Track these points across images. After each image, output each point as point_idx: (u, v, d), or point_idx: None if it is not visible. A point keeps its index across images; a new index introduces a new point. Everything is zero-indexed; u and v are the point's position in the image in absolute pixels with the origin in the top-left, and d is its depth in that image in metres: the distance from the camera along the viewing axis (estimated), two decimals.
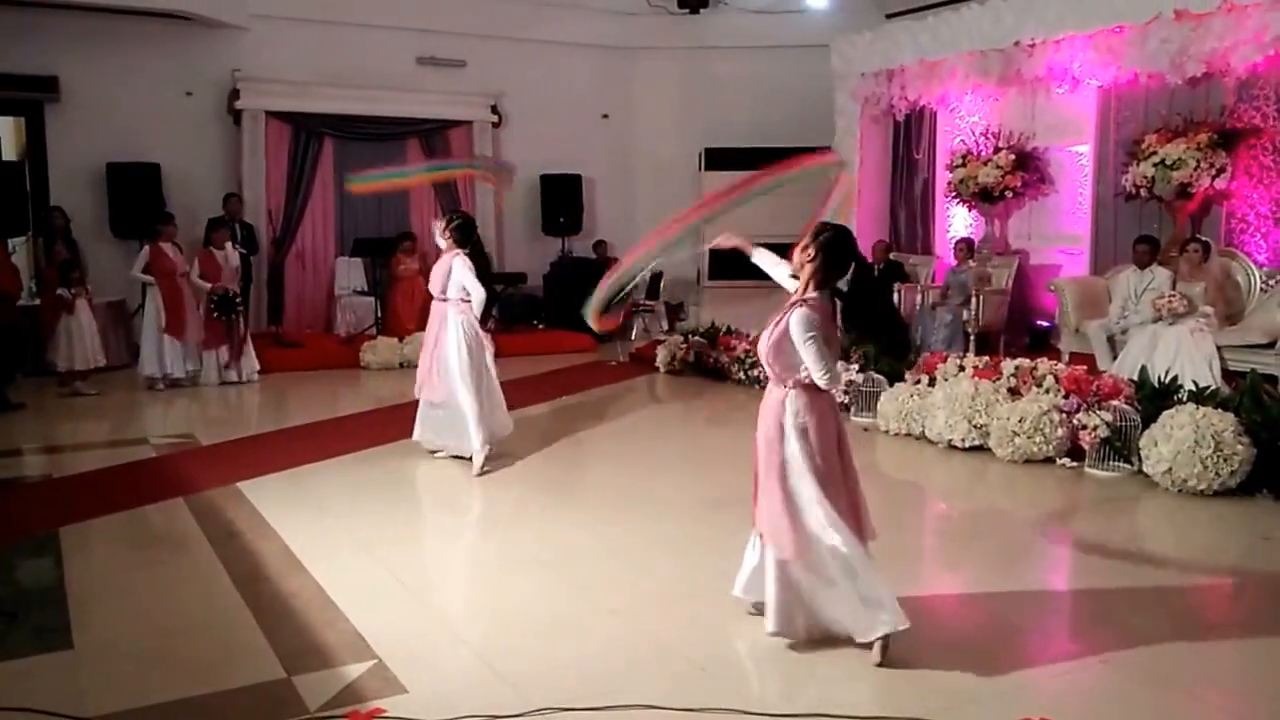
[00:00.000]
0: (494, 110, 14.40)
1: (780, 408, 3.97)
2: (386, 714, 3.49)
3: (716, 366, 10.77)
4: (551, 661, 3.96)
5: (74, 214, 11.44)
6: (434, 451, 7.28)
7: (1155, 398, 6.92)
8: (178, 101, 12.74)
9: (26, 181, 11.35)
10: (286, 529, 5.63)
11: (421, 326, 11.88)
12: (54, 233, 11.02)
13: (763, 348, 4.02)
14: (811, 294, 3.93)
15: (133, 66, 12.35)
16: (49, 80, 11.88)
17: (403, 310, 12.44)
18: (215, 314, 10.39)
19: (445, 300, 7.08)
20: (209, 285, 10.38)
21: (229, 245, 10.77)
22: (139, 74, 12.39)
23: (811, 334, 3.80)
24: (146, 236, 10.54)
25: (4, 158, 11.90)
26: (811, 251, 3.94)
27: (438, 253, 7.33)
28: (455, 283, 6.99)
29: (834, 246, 3.95)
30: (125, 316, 11.72)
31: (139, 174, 12.14)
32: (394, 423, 8.16)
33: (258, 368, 10.79)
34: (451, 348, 7.00)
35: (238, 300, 10.58)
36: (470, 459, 6.96)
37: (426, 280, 12.50)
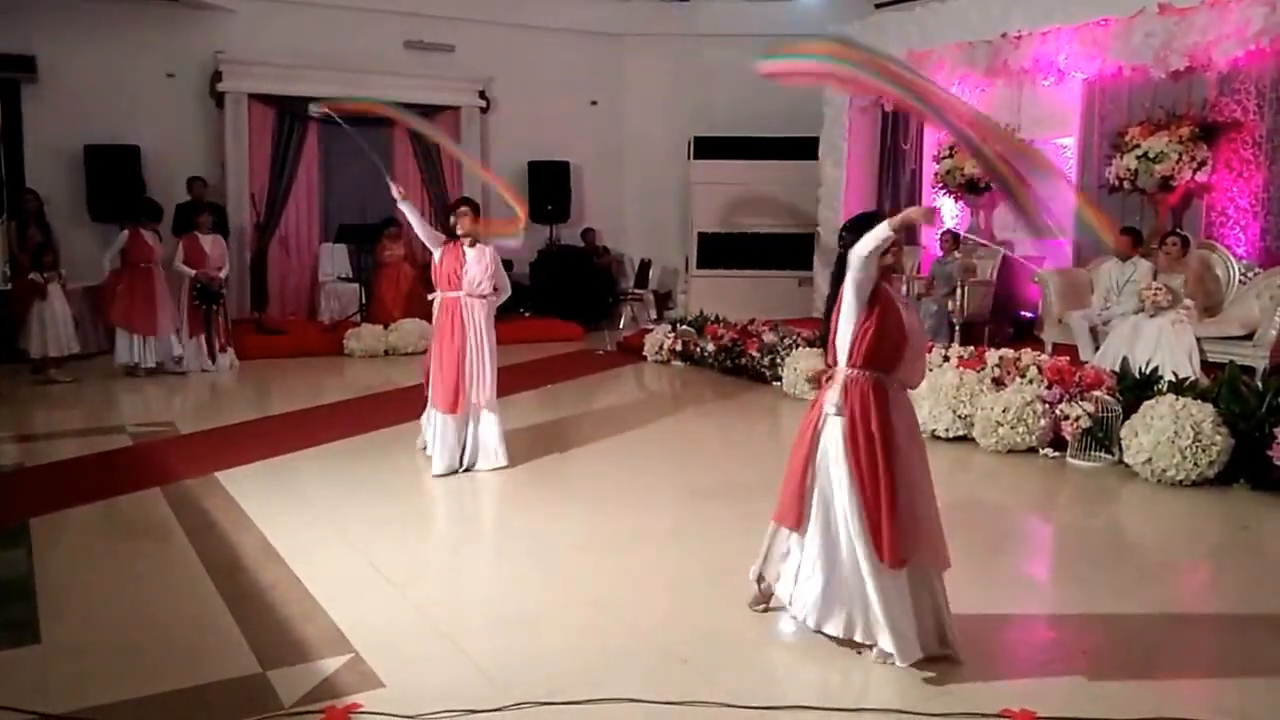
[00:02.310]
0: (482, 96, 14.29)
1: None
2: (363, 709, 3.46)
3: (703, 356, 10.81)
4: (532, 654, 3.94)
5: (51, 197, 11.26)
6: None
7: (1136, 389, 7.00)
8: (159, 83, 12.56)
9: (1, 163, 10.88)
10: (265, 520, 5.54)
11: (407, 313, 12.01)
12: (26, 216, 10.68)
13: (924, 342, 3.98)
14: None
15: (113, 47, 12.15)
16: (25, 59, 11.61)
17: (388, 297, 12.35)
18: (197, 302, 10.30)
19: (485, 297, 6.76)
20: (192, 271, 10.27)
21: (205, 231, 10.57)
22: (119, 54, 12.19)
23: None
24: (128, 220, 10.35)
25: None
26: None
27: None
28: (494, 276, 6.76)
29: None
30: (102, 302, 11.38)
31: (118, 156, 11.93)
32: (378, 411, 8.13)
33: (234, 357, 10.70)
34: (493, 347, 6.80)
35: (221, 290, 10.49)
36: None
37: (412, 267, 12.62)
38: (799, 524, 3.96)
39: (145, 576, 4.81)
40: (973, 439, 7.36)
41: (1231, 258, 8.92)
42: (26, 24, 11.67)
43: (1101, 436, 6.86)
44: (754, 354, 10.06)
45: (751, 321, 10.66)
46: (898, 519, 3.71)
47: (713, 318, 11.30)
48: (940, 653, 3.83)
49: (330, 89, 12.82)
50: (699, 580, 4.46)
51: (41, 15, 11.74)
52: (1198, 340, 8.12)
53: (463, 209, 6.79)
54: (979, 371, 7.60)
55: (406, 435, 7.38)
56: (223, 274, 10.62)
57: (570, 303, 13.84)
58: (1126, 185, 9.54)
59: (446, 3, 14.02)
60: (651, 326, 12.25)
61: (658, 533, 5.50)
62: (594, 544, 5.31)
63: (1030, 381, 7.35)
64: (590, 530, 5.54)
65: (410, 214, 6.98)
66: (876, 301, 3.77)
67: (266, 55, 12.84)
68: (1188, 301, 8.32)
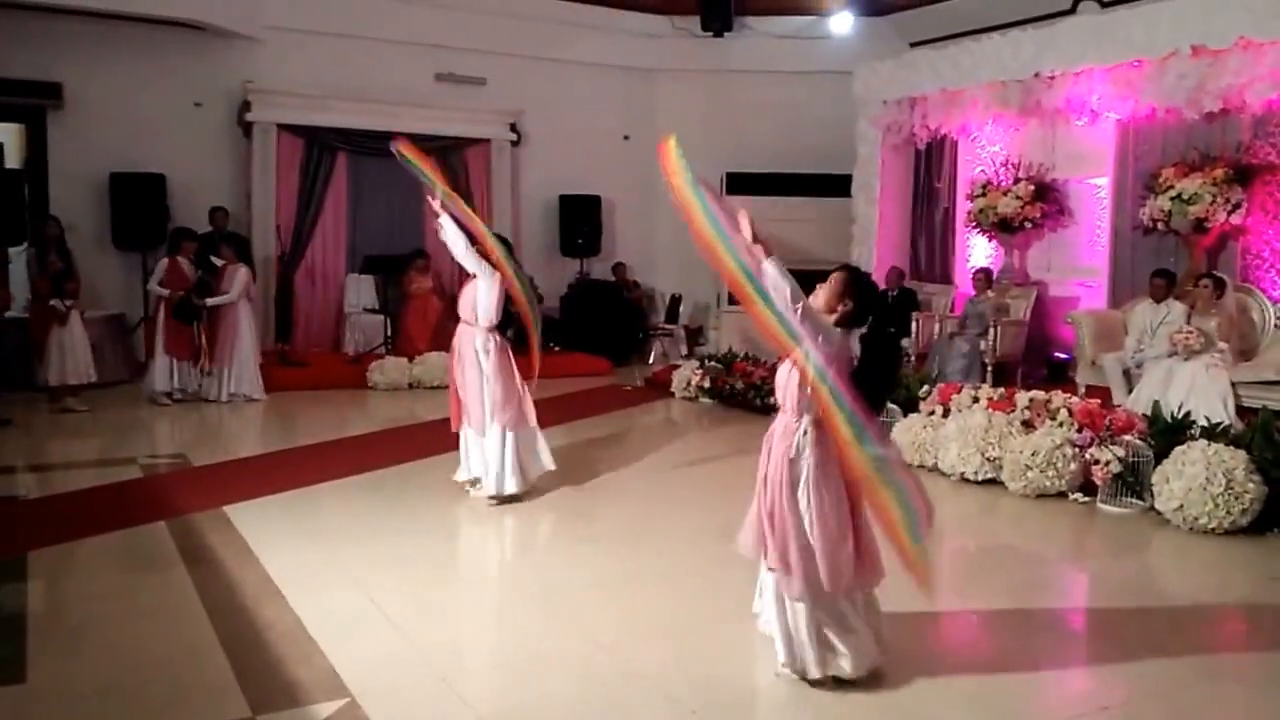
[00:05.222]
0: (513, 129, 14.29)
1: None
2: None
3: (732, 393, 10.76)
4: (534, 701, 3.83)
5: (75, 224, 11.22)
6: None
7: (1168, 433, 6.88)
8: (186, 112, 12.51)
9: (25, 190, 10.84)
10: (270, 556, 5.42)
11: (434, 347, 11.96)
12: (47, 242, 10.54)
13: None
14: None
15: (140, 75, 12.13)
16: (52, 86, 11.62)
17: (414, 329, 12.29)
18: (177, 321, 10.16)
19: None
20: (166, 291, 10.15)
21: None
22: (146, 83, 12.17)
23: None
24: (168, 250, 10.42)
25: (6, 166, 11.07)
26: (850, 303, 4.12)
27: (464, 273, 7.13)
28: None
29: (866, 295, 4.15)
30: (124, 331, 11.45)
31: (143, 185, 11.88)
32: (397, 445, 8.03)
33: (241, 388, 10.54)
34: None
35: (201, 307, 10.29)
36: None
37: (440, 299, 12.64)
38: None
39: (140, 614, 4.67)
40: (1001, 482, 7.27)
41: (1267, 301, 8.82)
42: (53, 51, 11.64)
43: (1132, 482, 6.75)
44: None
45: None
46: None
47: (742, 355, 11.25)
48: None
49: (360, 120, 13.07)
50: (710, 625, 4.37)
51: (68, 42, 11.72)
52: (1233, 385, 8.01)
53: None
54: (1008, 414, 7.52)
55: (425, 470, 7.23)
56: (224, 299, 10.32)
57: (600, 337, 13.80)
58: (1160, 227, 9.47)
59: (478, 35, 14.03)
60: (681, 362, 12.20)
61: (673, 575, 5.39)
62: (605, 585, 5.22)
63: (1060, 424, 7.25)
64: (603, 571, 5.45)
65: (451, 229, 7.04)
66: None
67: (296, 85, 12.78)
68: (1222, 345, 8.21)
